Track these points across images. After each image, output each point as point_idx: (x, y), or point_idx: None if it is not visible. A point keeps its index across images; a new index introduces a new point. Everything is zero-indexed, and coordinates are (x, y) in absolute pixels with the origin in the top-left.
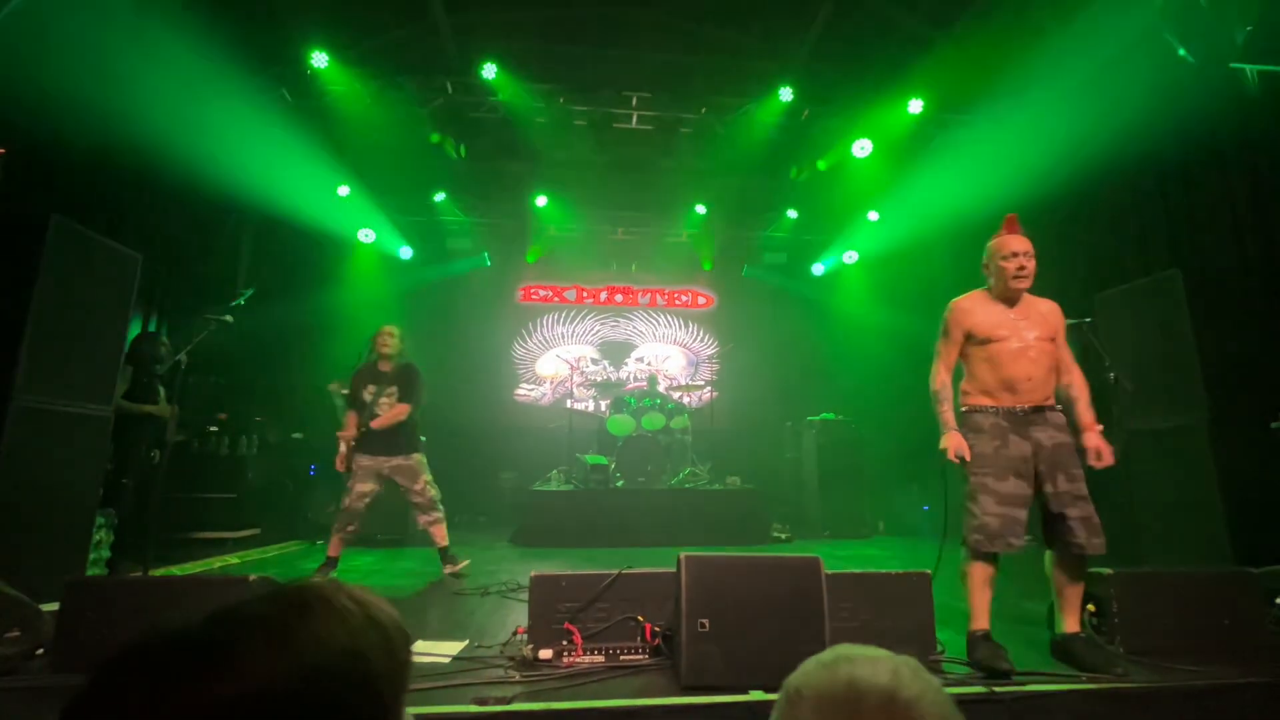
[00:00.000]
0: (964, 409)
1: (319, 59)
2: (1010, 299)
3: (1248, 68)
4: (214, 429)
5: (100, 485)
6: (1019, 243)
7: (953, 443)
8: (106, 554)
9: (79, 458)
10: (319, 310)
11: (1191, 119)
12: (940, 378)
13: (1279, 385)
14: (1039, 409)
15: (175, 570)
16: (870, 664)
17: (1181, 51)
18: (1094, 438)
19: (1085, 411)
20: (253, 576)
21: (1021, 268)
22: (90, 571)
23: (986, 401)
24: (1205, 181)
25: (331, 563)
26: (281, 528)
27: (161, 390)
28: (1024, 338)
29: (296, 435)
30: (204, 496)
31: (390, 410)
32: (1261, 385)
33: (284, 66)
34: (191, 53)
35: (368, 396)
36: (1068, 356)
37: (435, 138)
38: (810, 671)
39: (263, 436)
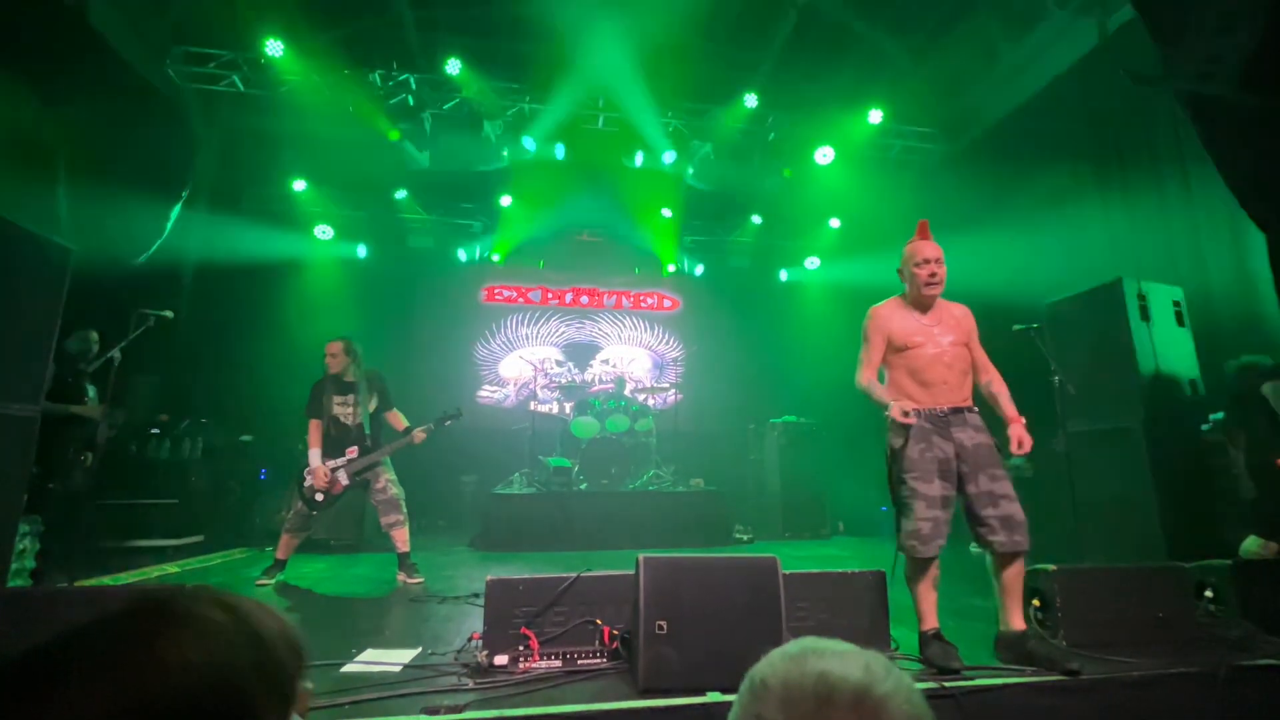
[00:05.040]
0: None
1: (274, 47)
2: (924, 305)
3: (1182, 87)
4: (154, 431)
5: (24, 490)
6: (930, 249)
7: (897, 406)
8: (31, 564)
9: (2, 461)
10: (271, 308)
11: (1132, 134)
12: (865, 376)
13: (1210, 391)
14: (958, 410)
15: (108, 580)
16: (840, 658)
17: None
18: (1018, 429)
19: (1008, 405)
20: (189, 586)
21: (933, 274)
22: (12, 582)
23: (909, 405)
24: (1142, 194)
25: (279, 565)
26: (227, 534)
27: (91, 389)
28: (939, 343)
29: (245, 438)
30: (142, 502)
31: (398, 420)
32: (1193, 390)
33: (237, 52)
34: (132, 31)
35: (335, 407)
36: (983, 357)
37: (395, 135)
38: (777, 663)
39: (208, 439)
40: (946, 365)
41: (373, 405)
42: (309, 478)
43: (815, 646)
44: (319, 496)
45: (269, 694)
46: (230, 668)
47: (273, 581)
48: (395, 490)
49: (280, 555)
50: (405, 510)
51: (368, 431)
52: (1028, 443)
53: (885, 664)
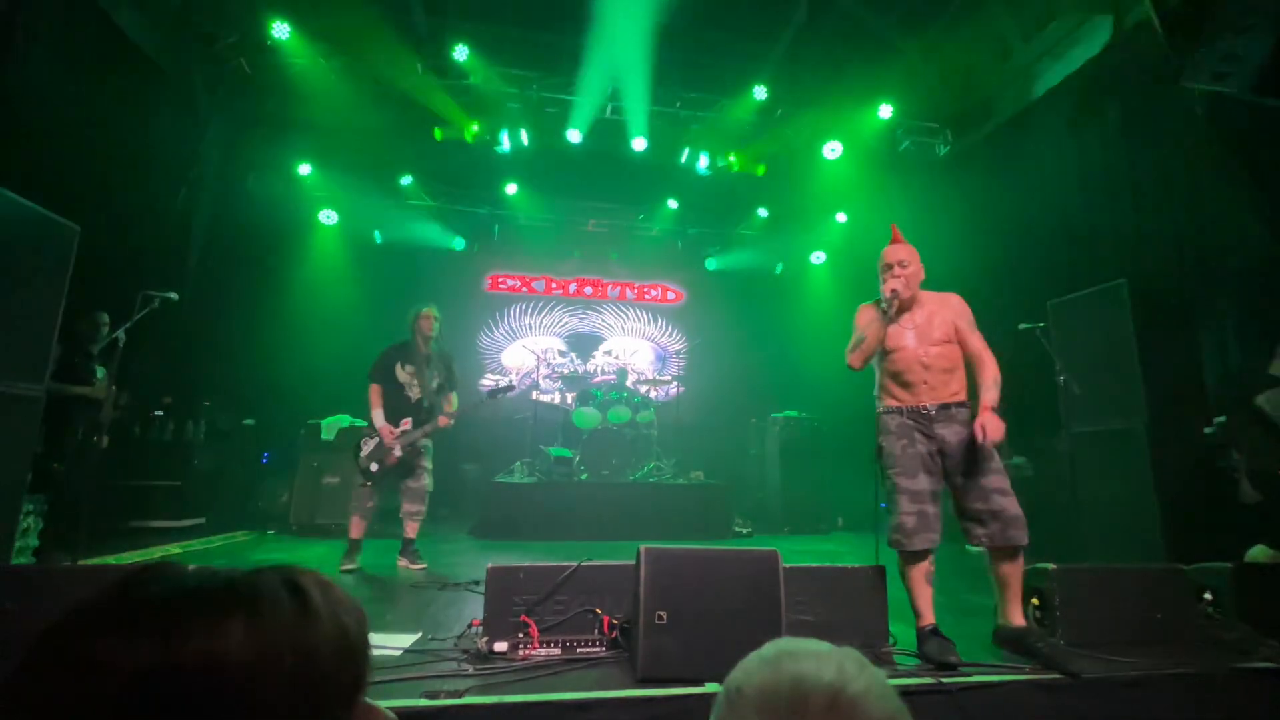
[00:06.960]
0: (878, 411)
1: (280, 29)
2: (901, 307)
3: (1196, 88)
4: (158, 413)
5: (28, 470)
6: (894, 253)
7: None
8: (35, 542)
9: (6, 440)
10: (276, 292)
11: (1143, 138)
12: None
13: (1213, 393)
14: (945, 406)
15: (111, 560)
16: (814, 659)
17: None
18: (983, 415)
19: (986, 392)
20: (191, 568)
21: (896, 277)
22: (16, 560)
23: (893, 403)
24: (1151, 197)
25: (355, 546)
26: (229, 517)
27: (100, 371)
28: (917, 345)
29: (248, 421)
30: (146, 484)
31: (450, 403)
32: (1197, 393)
33: (243, 35)
34: (139, 11)
35: (404, 377)
36: (975, 345)
37: (439, 134)
38: (752, 669)
39: (211, 422)
40: (925, 366)
41: (436, 382)
42: (365, 446)
43: (790, 649)
44: (374, 467)
45: (338, 678)
46: (317, 646)
47: (355, 567)
48: (428, 482)
49: (354, 536)
50: (426, 504)
51: (425, 406)
52: (992, 430)
53: (859, 662)
